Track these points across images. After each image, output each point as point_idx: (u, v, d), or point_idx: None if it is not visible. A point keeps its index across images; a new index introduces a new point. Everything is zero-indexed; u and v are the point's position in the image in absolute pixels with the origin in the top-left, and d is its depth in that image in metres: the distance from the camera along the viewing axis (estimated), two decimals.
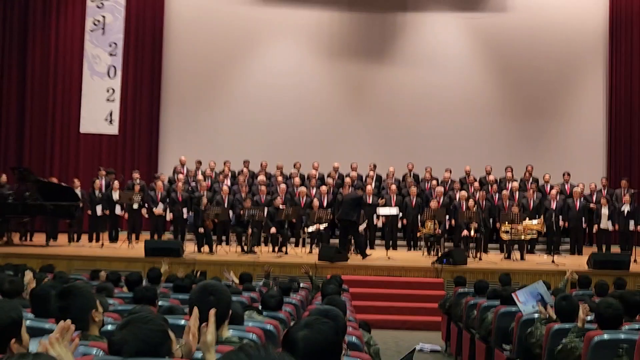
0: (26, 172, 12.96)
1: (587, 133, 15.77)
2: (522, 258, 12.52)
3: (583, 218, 13.18)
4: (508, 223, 12.51)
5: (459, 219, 12.72)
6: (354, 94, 16.01)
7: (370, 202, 12.95)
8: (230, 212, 12.73)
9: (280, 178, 14.04)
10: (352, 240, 12.40)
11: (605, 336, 4.39)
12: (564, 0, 15.82)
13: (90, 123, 15.51)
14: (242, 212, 12.56)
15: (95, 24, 15.62)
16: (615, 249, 12.81)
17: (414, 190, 13.57)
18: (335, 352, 2.39)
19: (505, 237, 12.61)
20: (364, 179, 14.21)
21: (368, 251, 12.35)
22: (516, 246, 12.64)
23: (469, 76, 15.96)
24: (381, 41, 16.04)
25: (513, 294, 6.02)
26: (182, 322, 3.69)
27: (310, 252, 12.48)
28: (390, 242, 13.31)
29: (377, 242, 13.44)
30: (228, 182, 13.86)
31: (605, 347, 4.36)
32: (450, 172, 14.36)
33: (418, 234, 13.20)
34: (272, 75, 15.93)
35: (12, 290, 4.97)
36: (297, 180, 13.96)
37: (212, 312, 2.56)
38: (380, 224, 13.36)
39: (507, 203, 13.11)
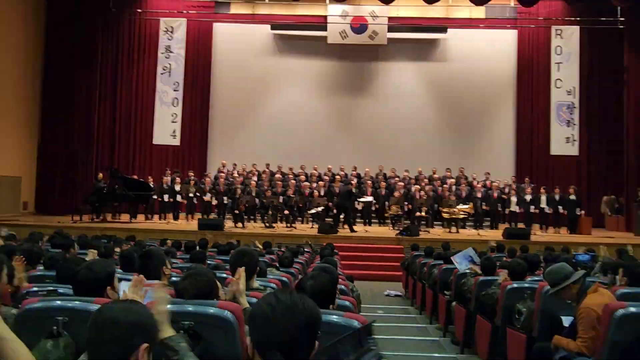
0: (116, 172, 13.03)
1: (502, 145, 15.79)
2: (457, 231, 12.61)
3: (499, 204, 13.23)
4: (447, 207, 12.60)
5: (414, 204, 12.77)
6: (342, 119, 16.01)
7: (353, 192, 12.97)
8: (256, 199, 12.75)
9: (291, 176, 14.05)
10: (345, 219, 12.46)
11: (515, 285, 4.40)
12: (485, 53, 15.80)
13: (160, 137, 15.56)
14: (264, 199, 12.61)
15: (164, 69, 15.65)
16: (521, 225, 12.84)
17: (383, 184, 13.63)
18: (331, 295, 2.42)
19: (446, 216, 12.69)
20: (348, 176, 14.23)
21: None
22: (453, 223, 12.74)
23: (421, 106, 15.95)
24: (361, 82, 16.05)
25: (452, 258, 6.04)
26: (224, 275, 3.70)
27: (312, 227, 12.46)
28: (367, 220, 13.35)
29: (358, 220, 13.37)
30: (255, 178, 13.87)
31: (514, 292, 4.37)
32: (408, 171, 14.38)
33: (386, 215, 13.23)
34: (287, 105, 15.92)
35: (106, 253, 5.00)
36: (302, 177, 14.00)
37: (242, 269, 2.57)
38: (360, 208, 13.32)
39: (447, 193, 13.15)
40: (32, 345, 2.01)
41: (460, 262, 5.66)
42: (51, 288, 2.73)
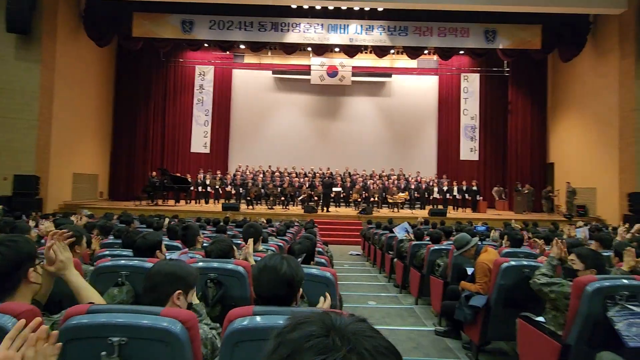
0: (165, 171, 12.77)
1: (428, 153, 15.87)
2: (398, 211, 12.64)
3: (426, 192, 13.34)
4: (391, 195, 12.66)
5: (369, 193, 12.79)
6: (320, 134, 15.91)
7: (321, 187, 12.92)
8: (262, 190, 12.64)
9: (285, 174, 13.95)
10: (324, 202, 12.39)
11: (435, 247, 4.45)
12: (417, 91, 15.88)
13: (196, 147, 15.31)
14: (267, 190, 12.50)
15: (198, 101, 15.39)
16: (440, 206, 12.97)
17: (348, 179, 13.59)
18: (312, 255, 2.40)
19: (390, 201, 12.73)
20: (325, 174, 14.19)
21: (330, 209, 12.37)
22: (395, 205, 12.77)
23: (374, 126, 15.95)
24: (333, 110, 15.99)
25: (393, 229, 6.07)
26: (238, 241, 3.67)
27: (301, 208, 12.42)
28: (337, 204, 13.31)
29: (332, 204, 13.38)
30: (261, 175, 13.74)
31: (435, 252, 4.39)
32: (365, 170, 14.38)
33: (350, 200, 13.16)
34: (283, 126, 15.76)
35: (157, 227, 4.91)
36: (293, 174, 13.87)
37: (251, 240, 2.54)
38: (333, 195, 13.29)
39: (391, 186, 13.19)
40: (104, 291, 1.97)
41: (399, 232, 5.70)
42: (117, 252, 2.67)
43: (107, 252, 2.66)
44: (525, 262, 2.92)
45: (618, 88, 11.02)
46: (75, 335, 1.13)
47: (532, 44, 12.28)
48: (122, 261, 2.11)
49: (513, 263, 2.86)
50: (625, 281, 2.05)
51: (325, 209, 12.12)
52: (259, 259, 2.68)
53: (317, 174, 13.84)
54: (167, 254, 2.32)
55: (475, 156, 15.37)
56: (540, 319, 2.41)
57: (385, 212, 12.46)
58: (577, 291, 2.02)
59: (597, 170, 11.95)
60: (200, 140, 15.34)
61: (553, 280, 2.20)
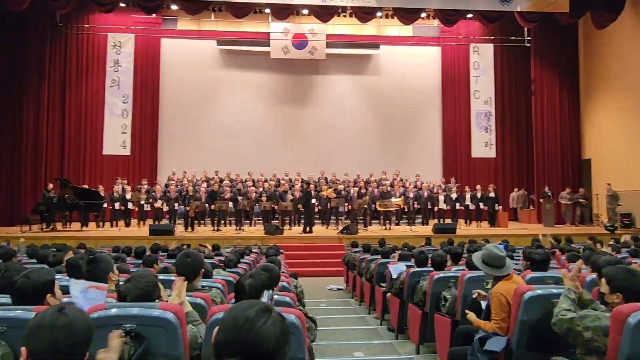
0: (65, 182, 12.43)
1: (431, 150, 16.25)
2: (391, 228, 12.77)
3: (429, 203, 13.56)
4: (382, 202, 12.71)
5: (353, 205, 12.81)
6: (286, 127, 15.94)
7: (298, 196, 12.86)
8: (206, 205, 12.44)
9: (239, 181, 13.82)
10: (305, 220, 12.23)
11: (442, 275, 4.52)
12: (413, 67, 16.24)
13: (110, 147, 14.98)
14: (214, 205, 12.30)
15: (112, 82, 15.09)
16: (448, 220, 13.22)
17: (324, 187, 13.56)
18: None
19: (381, 209, 12.79)
20: (293, 182, 14.14)
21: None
22: (388, 221, 12.82)
23: (358, 115, 16.18)
24: (303, 93, 16.09)
25: (388, 265, 5.99)
26: (172, 277, 3.59)
27: (260, 228, 12.31)
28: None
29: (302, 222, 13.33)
30: (204, 184, 13.53)
31: (440, 281, 4.48)
32: (347, 176, 14.42)
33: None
34: (233, 115, 15.72)
35: (55, 262, 4.77)
36: (249, 183, 13.71)
37: (181, 279, 2.49)
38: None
39: (381, 191, 13.19)
40: None
41: (394, 272, 5.66)
42: None
43: None
44: (555, 290, 3.00)
45: None
46: None
47: (559, 6, 12.88)
48: None
49: (539, 292, 2.94)
50: None
51: (307, 228, 11.93)
52: (199, 300, 2.64)
53: (282, 181, 13.79)
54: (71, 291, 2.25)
55: (491, 153, 15.86)
56: None
57: (375, 229, 12.55)
58: (616, 324, 2.10)
59: None
60: (116, 138, 15.00)
61: (586, 313, 2.28)
